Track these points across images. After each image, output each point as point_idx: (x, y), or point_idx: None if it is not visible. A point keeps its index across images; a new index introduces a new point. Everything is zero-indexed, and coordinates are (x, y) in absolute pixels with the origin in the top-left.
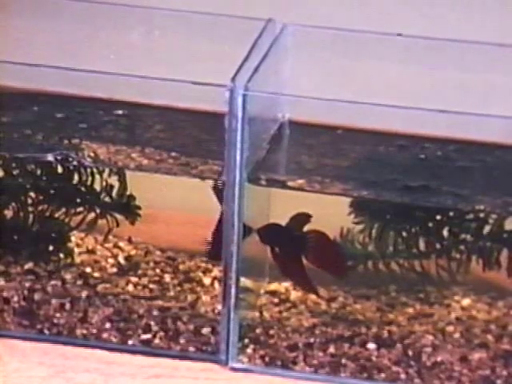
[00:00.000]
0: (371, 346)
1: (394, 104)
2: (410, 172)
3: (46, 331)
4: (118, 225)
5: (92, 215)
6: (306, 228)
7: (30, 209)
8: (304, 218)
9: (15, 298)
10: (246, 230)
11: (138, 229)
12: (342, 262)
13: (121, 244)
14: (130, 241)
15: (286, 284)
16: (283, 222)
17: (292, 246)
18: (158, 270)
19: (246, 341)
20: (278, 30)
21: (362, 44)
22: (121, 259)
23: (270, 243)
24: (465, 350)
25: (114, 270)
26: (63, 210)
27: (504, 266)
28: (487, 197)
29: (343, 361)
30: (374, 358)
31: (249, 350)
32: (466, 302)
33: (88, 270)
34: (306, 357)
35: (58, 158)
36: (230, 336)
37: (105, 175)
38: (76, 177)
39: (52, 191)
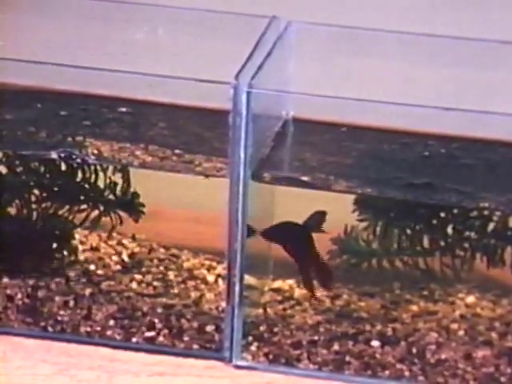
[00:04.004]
0: (375, 343)
1: (397, 101)
2: (413, 169)
3: (50, 329)
4: (121, 222)
5: (96, 213)
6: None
7: (34, 206)
8: (321, 216)
9: (19, 296)
10: (250, 231)
11: (141, 226)
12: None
13: (125, 241)
14: (133, 238)
15: (290, 281)
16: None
17: (305, 244)
18: (161, 268)
19: (250, 338)
20: (283, 28)
21: (366, 41)
22: (125, 257)
23: (280, 242)
24: (469, 347)
25: (118, 267)
26: (67, 207)
27: (508, 264)
28: (491, 194)
29: (347, 358)
30: (378, 356)
31: (253, 348)
32: (470, 299)
33: (92, 267)
34: (310, 354)
35: (62, 155)
36: (234, 333)
37: (108, 173)
38: (80, 174)
39: (56, 189)
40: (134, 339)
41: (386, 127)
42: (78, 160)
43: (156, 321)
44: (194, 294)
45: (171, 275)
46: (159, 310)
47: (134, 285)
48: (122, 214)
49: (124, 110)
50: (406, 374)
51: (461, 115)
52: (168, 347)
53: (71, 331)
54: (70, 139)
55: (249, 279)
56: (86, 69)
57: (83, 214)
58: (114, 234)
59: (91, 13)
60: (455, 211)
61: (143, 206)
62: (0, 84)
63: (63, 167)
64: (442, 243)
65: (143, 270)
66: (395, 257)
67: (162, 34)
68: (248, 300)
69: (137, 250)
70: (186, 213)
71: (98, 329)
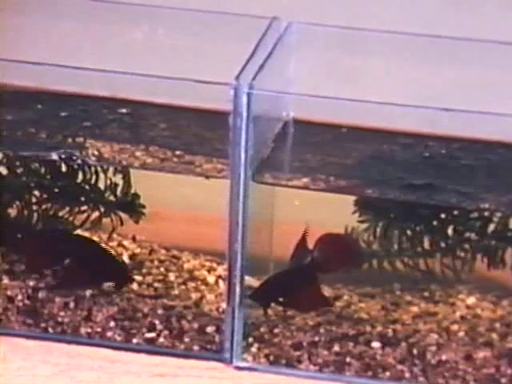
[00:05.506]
0: (376, 344)
1: (398, 102)
2: (414, 170)
3: (50, 330)
4: (122, 223)
5: (96, 214)
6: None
7: (34, 207)
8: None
9: (19, 297)
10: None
11: (142, 227)
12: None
13: (125, 243)
14: (134, 239)
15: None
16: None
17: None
18: (162, 269)
19: (251, 339)
20: (283, 28)
21: (366, 42)
22: (125, 258)
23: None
24: (469, 348)
25: None
26: (67, 208)
27: (509, 265)
28: (492, 195)
29: (348, 359)
30: (378, 357)
31: (253, 349)
32: (470, 300)
33: None
34: (311, 355)
35: (62, 156)
36: (235, 335)
37: (109, 174)
38: (80, 175)
39: (56, 190)
40: (134, 340)
41: (387, 128)
42: (79, 161)
43: (156, 322)
44: (194, 295)
45: (172, 276)
46: (160, 311)
47: (134, 286)
48: (122, 215)
49: (124, 110)
50: (407, 375)
51: (461, 115)
52: (168, 348)
53: (72, 332)
54: (70, 140)
55: (249, 280)
56: (86, 69)
57: (84, 216)
58: (115, 235)
59: (91, 13)
60: (456, 212)
61: (144, 207)
62: (0, 84)
63: (63, 168)
64: (443, 244)
65: (144, 271)
66: (396, 258)
67: (162, 34)
68: (248, 301)
69: (137, 251)
70: (186, 214)
71: (99, 330)
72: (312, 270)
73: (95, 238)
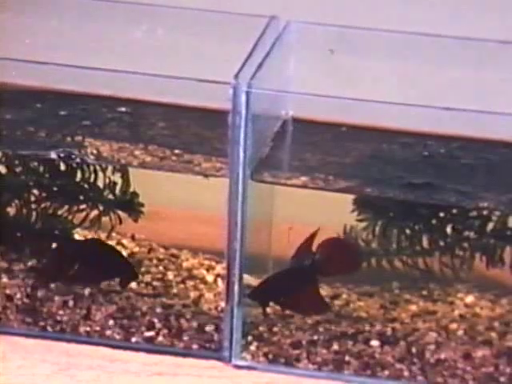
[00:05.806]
0: (374, 343)
1: (397, 101)
2: (413, 169)
3: (49, 328)
4: (121, 222)
5: (95, 212)
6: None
7: (33, 206)
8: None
9: (18, 295)
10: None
11: (141, 226)
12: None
13: (124, 241)
14: (133, 238)
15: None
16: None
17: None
18: (161, 268)
19: (250, 338)
20: (282, 27)
21: (365, 41)
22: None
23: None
24: (468, 347)
25: None
26: (66, 207)
27: (507, 263)
28: (491, 194)
29: (346, 358)
30: (377, 355)
31: (252, 348)
32: (469, 299)
33: None
34: (310, 354)
35: (61, 155)
36: (234, 333)
37: (108, 172)
38: (79, 174)
39: (55, 188)
40: (133, 339)
41: (386, 127)
42: (78, 160)
43: (155, 321)
44: (193, 294)
45: (170, 275)
46: (158, 310)
47: (133, 284)
48: (121, 213)
49: (123, 109)
50: (406, 373)
51: (461, 115)
52: (167, 347)
53: (71, 331)
54: (69, 139)
55: (248, 279)
56: (85, 69)
57: (82, 214)
58: (114, 234)
59: (91, 13)
60: (454, 211)
61: (142, 205)
62: (0, 84)
63: (62, 167)
64: (442, 243)
65: (142, 269)
66: (394, 256)
67: (162, 34)
68: (247, 300)
69: (136, 249)
70: (185, 212)
71: (98, 329)
72: (312, 272)
73: (97, 237)
